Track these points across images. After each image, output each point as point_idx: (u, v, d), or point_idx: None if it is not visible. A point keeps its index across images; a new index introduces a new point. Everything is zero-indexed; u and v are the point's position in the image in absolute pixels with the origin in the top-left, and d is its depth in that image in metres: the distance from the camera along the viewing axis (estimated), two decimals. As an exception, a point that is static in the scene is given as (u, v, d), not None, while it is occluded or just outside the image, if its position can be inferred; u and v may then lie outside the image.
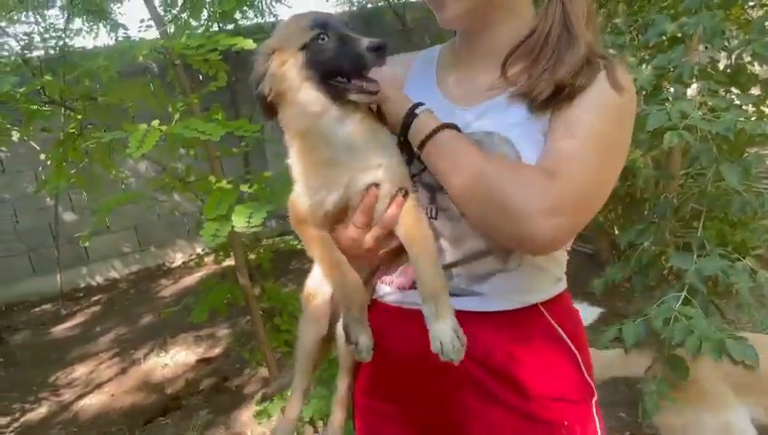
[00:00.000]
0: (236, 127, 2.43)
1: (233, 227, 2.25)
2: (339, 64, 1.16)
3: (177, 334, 5.54)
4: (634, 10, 3.83)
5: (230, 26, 3.08)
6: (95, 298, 7.16)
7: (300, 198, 1.29)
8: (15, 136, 3.61)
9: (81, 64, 2.80)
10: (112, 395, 4.63)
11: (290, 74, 1.19)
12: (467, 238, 1.30)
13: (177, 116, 2.57)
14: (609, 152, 1.20)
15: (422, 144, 1.21)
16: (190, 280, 7.32)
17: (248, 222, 2.25)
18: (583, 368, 1.37)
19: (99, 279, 7.81)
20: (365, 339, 1.30)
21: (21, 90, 2.89)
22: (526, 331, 1.33)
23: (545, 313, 1.34)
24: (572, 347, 1.36)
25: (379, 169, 1.22)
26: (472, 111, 1.31)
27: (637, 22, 3.27)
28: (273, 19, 7.66)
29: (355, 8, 10.29)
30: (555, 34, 1.24)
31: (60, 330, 6.25)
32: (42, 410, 4.52)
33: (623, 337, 2.48)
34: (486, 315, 1.30)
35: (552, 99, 1.21)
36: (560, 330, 1.35)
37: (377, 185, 1.22)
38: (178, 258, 8.33)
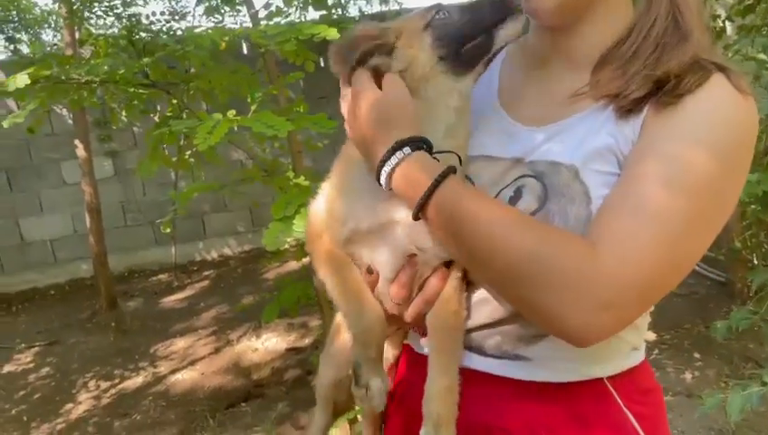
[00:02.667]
0: (312, 121, 2.26)
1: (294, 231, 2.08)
2: (478, 20, 1.02)
3: (271, 319, 5.56)
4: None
5: (321, 13, 2.90)
6: (206, 273, 7.43)
7: (329, 201, 1.11)
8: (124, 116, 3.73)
9: (176, 48, 2.76)
10: (202, 374, 4.72)
11: (421, 54, 1.03)
12: None
13: (253, 107, 2.44)
14: (708, 208, 0.89)
15: (420, 207, 0.93)
16: (294, 265, 7.39)
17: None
18: None
19: (213, 254, 8.12)
20: (379, 383, 1.08)
21: (121, 71, 2.91)
22: (583, 411, 1.04)
23: (612, 391, 1.05)
24: None
25: (428, 237, 1.02)
26: (542, 132, 1.04)
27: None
28: (396, 7, 7.52)
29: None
30: (660, 28, 0.97)
31: (169, 301, 6.54)
32: (138, 380, 4.71)
33: (728, 407, 2.00)
34: (531, 386, 1.04)
35: (648, 97, 0.93)
36: (630, 416, 1.04)
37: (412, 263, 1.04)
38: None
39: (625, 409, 1.04)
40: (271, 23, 2.59)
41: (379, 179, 0.97)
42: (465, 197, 0.92)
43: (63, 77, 2.85)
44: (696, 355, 3.95)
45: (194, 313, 6.09)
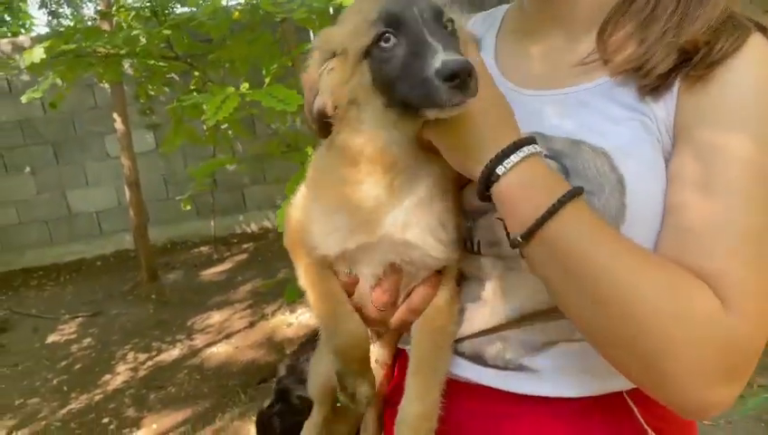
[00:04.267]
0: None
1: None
2: (402, 92, 0.78)
3: (293, 299, 5.54)
4: None
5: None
6: (245, 245, 7.46)
7: (302, 217, 0.98)
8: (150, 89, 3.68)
9: (192, 17, 2.66)
10: (236, 347, 4.73)
11: (361, 97, 0.85)
12: (521, 289, 0.89)
13: (267, 79, 2.33)
14: None
15: (528, 235, 0.75)
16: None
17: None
18: None
19: (253, 227, 8.14)
20: (365, 389, 1.00)
21: (141, 44, 2.84)
22: (601, 430, 0.90)
23: (634, 407, 0.90)
24: None
25: (415, 251, 0.90)
26: (546, 98, 0.90)
27: None
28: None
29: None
30: None
31: (208, 274, 6.60)
32: (174, 353, 4.76)
33: None
34: (539, 402, 0.90)
35: (675, 71, 0.78)
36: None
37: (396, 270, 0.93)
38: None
39: (648, 429, 0.91)
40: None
41: (488, 187, 0.78)
42: (586, 229, 0.74)
43: (88, 50, 2.80)
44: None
45: (231, 286, 6.11)
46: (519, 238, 0.75)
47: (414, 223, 0.88)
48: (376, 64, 0.80)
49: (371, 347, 1.08)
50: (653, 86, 0.81)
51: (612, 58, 0.85)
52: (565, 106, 0.88)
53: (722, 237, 0.73)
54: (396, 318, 0.96)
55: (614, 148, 0.81)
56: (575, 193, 0.74)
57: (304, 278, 1.01)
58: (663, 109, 0.81)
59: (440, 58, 0.72)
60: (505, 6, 1.09)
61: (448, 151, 0.82)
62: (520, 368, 0.91)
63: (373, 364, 1.07)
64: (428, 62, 0.72)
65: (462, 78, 0.70)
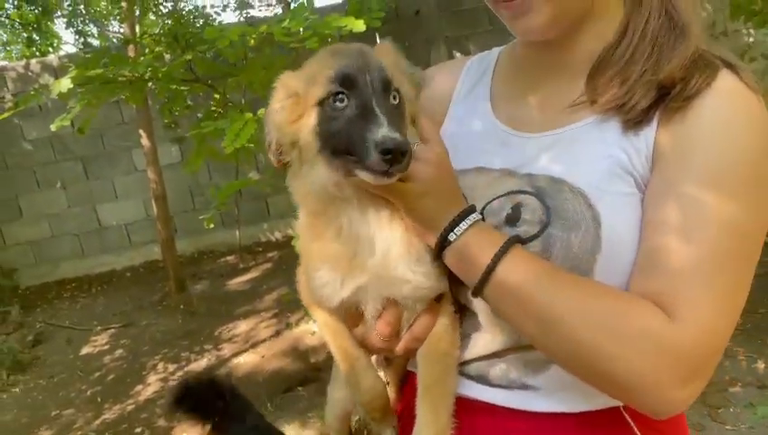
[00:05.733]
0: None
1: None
2: (342, 146, 0.87)
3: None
4: None
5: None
6: (270, 254, 7.59)
7: (303, 277, 1.08)
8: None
9: (210, 43, 2.76)
10: (262, 356, 4.83)
11: (302, 139, 0.93)
12: None
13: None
14: (757, 235, 0.85)
15: (477, 289, 0.89)
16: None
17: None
18: None
19: (277, 235, 8.26)
20: (390, 432, 1.10)
21: (164, 69, 2.94)
22: None
23: (630, 422, 0.96)
24: None
25: (406, 285, 0.96)
26: (536, 140, 0.98)
27: None
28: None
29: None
30: (655, 25, 0.90)
31: (234, 283, 6.73)
32: (202, 362, 4.88)
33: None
34: (539, 417, 0.97)
35: (655, 106, 0.88)
36: None
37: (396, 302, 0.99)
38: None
39: None
40: (302, 15, 2.53)
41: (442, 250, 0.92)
42: (529, 270, 0.86)
43: (111, 75, 2.91)
44: (772, 342, 3.69)
45: (257, 295, 6.23)
46: (474, 289, 0.88)
47: (396, 257, 0.94)
48: (324, 116, 0.89)
49: (382, 373, 1.14)
50: (636, 120, 0.88)
51: (598, 99, 0.93)
52: (553, 147, 0.95)
53: (678, 261, 0.81)
54: (401, 347, 1.03)
55: (591, 186, 0.89)
56: (512, 242, 0.86)
57: (323, 330, 1.08)
58: (643, 142, 0.88)
59: (382, 133, 0.80)
60: (498, 49, 1.16)
61: (405, 213, 0.93)
62: (524, 387, 0.97)
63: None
64: (372, 132, 0.81)
65: (394, 155, 0.80)
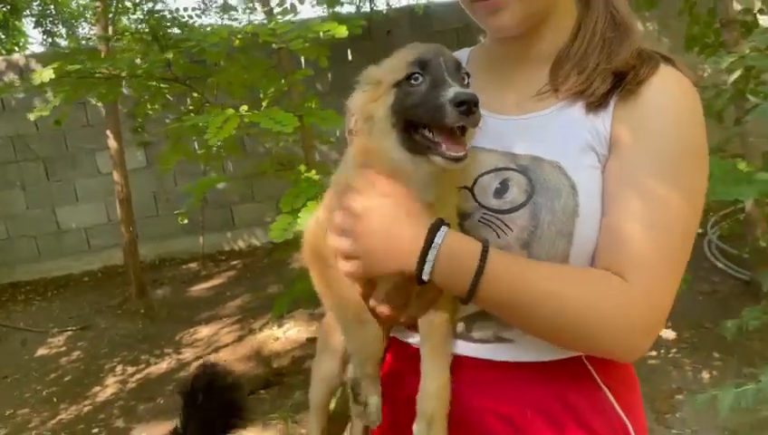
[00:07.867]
0: (321, 118, 2.31)
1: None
2: (418, 114, 0.96)
3: (294, 309, 5.66)
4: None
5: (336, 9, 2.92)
6: (234, 262, 7.57)
7: (326, 231, 1.11)
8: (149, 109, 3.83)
9: (192, 44, 2.83)
10: (225, 361, 4.82)
11: (377, 114, 1.01)
12: None
13: (265, 102, 2.50)
14: (697, 204, 1.01)
15: (471, 294, 0.96)
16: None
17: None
18: None
19: (241, 244, 8.25)
20: (376, 400, 1.12)
21: (143, 66, 2.99)
22: (563, 389, 1.09)
23: (591, 369, 1.10)
24: (624, 418, 1.11)
25: None
26: (512, 122, 1.12)
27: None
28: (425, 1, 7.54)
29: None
30: (602, 25, 1.08)
31: (197, 290, 6.69)
32: (162, 366, 4.85)
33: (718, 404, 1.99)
34: (518, 367, 1.10)
35: (613, 91, 1.04)
36: (608, 393, 1.11)
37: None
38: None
39: (604, 387, 1.10)
40: (284, 18, 2.63)
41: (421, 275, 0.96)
42: (511, 268, 0.97)
43: (91, 71, 2.95)
44: (716, 354, 3.89)
45: (219, 301, 6.22)
46: (465, 298, 0.97)
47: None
48: (401, 94, 0.98)
49: None
50: (597, 104, 1.04)
51: (560, 87, 1.08)
52: (528, 129, 1.09)
53: (633, 237, 0.97)
54: (405, 318, 1.11)
55: (566, 160, 1.03)
56: (486, 248, 0.95)
57: (323, 286, 1.12)
58: (601, 123, 1.03)
59: (454, 90, 0.90)
60: (467, 49, 1.30)
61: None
62: (500, 340, 1.09)
63: None
64: (444, 93, 0.91)
65: (469, 106, 0.88)
